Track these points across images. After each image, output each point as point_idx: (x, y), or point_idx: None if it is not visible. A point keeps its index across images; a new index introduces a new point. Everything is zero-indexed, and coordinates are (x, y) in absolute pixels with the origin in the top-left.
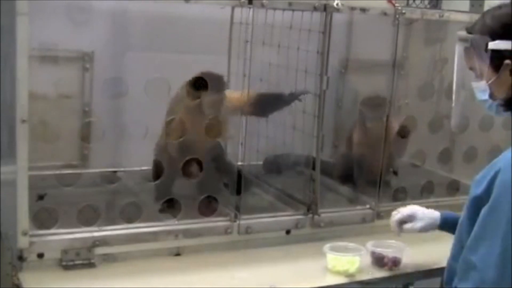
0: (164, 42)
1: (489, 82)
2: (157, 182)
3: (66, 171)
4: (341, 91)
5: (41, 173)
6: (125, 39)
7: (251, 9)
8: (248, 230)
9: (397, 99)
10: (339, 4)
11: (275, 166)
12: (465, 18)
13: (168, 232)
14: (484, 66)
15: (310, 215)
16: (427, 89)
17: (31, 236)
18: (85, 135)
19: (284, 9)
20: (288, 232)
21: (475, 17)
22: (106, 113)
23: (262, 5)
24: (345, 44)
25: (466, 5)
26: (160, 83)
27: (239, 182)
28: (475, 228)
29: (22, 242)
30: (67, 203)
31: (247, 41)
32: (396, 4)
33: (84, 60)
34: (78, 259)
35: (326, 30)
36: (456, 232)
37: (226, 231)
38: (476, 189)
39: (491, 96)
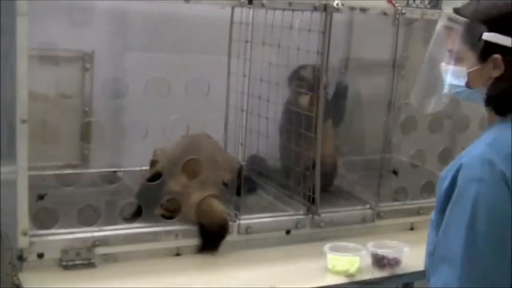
0: (164, 42)
1: (470, 70)
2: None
3: (66, 171)
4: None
5: (41, 173)
6: (125, 39)
7: (251, 9)
8: (248, 230)
9: (397, 99)
10: (339, 4)
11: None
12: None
13: (168, 232)
14: (469, 52)
15: (310, 215)
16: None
17: (31, 236)
18: (85, 135)
19: (284, 9)
20: (288, 232)
21: None
22: (106, 113)
23: (262, 5)
24: (345, 44)
25: None
26: (160, 83)
27: (239, 182)
28: (443, 223)
29: (22, 242)
30: (67, 203)
31: (247, 41)
32: (396, 4)
33: (84, 60)
34: (78, 259)
35: (326, 30)
36: (429, 228)
37: (227, 233)
38: (442, 185)
39: (467, 84)
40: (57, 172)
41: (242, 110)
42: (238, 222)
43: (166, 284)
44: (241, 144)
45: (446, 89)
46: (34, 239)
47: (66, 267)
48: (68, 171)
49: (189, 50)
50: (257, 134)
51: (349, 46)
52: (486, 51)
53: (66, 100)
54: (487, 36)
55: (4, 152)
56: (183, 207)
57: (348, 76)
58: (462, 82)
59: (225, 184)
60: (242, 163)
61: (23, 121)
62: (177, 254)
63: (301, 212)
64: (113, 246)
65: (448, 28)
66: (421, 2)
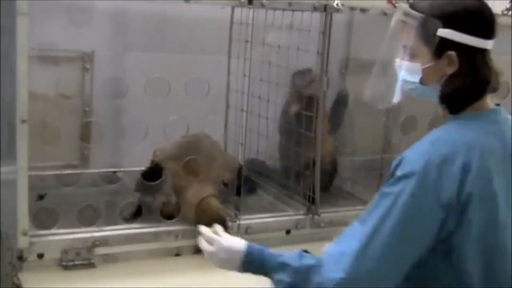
0: (164, 42)
1: (424, 66)
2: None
3: (66, 171)
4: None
5: (41, 173)
6: (125, 39)
7: (251, 9)
8: (248, 230)
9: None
10: (339, 4)
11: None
12: None
13: (168, 233)
14: (423, 48)
15: (310, 215)
16: None
17: (31, 236)
18: (85, 135)
19: (284, 9)
20: (288, 232)
21: None
22: (106, 113)
23: (262, 5)
24: (345, 44)
25: None
26: (160, 83)
27: (239, 182)
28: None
29: (22, 242)
30: (67, 203)
31: (247, 41)
32: (396, 4)
33: (84, 60)
34: (78, 259)
35: (326, 30)
36: None
37: (226, 231)
38: (388, 174)
39: (421, 80)
40: (57, 172)
41: (242, 110)
42: (238, 222)
43: (166, 284)
44: (241, 144)
45: (400, 85)
46: (34, 239)
47: (66, 267)
48: (68, 171)
49: (189, 50)
50: (257, 134)
51: (349, 46)
52: (441, 47)
53: (66, 100)
54: (442, 32)
55: (4, 152)
56: (182, 206)
57: (348, 76)
58: (416, 78)
59: (225, 184)
60: (242, 163)
61: (23, 121)
62: (177, 254)
63: (301, 212)
64: (113, 246)
65: (403, 23)
66: None
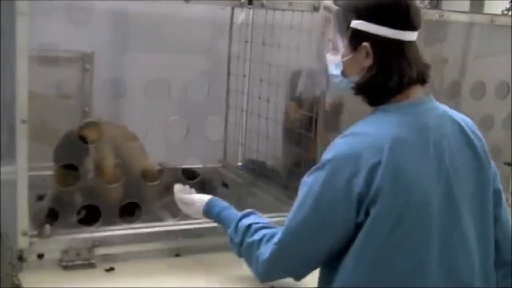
0: (164, 42)
1: (344, 59)
2: None
3: None
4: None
5: (41, 173)
6: (125, 39)
7: (251, 9)
8: None
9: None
10: None
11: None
12: (465, 18)
13: (168, 233)
14: (341, 41)
15: None
16: (427, 89)
17: (31, 236)
18: None
19: (284, 9)
20: None
21: (475, 17)
22: (106, 113)
23: (262, 5)
24: None
25: (466, 5)
26: (160, 83)
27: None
28: None
29: (22, 242)
30: (67, 203)
31: (247, 41)
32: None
33: (84, 60)
34: (78, 259)
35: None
36: None
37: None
38: None
39: (343, 73)
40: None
41: (242, 110)
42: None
43: (166, 284)
44: (241, 145)
45: (330, 79)
46: (34, 239)
47: (66, 268)
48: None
49: (189, 50)
50: (257, 134)
51: None
52: (355, 39)
53: (66, 101)
54: (355, 24)
55: (4, 152)
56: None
57: None
58: (338, 71)
59: (225, 185)
60: (240, 164)
61: (23, 121)
62: (177, 254)
63: None
64: (113, 246)
65: (325, 18)
66: (421, 2)
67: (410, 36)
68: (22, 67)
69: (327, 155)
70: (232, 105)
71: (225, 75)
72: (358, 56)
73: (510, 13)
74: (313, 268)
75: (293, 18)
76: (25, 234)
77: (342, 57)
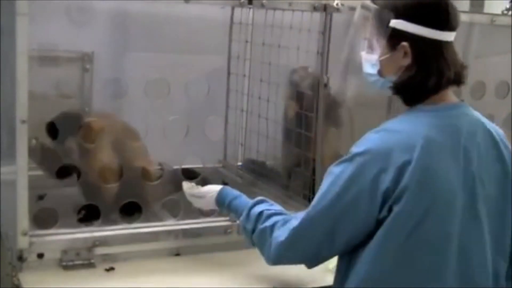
0: (164, 42)
1: (381, 58)
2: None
3: None
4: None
5: (41, 173)
6: (125, 39)
7: (251, 9)
8: None
9: (397, 99)
10: (339, 4)
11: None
12: (465, 18)
13: (168, 232)
14: (379, 40)
15: None
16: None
17: (31, 236)
18: None
19: (284, 9)
20: None
21: (475, 17)
22: None
23: (262, 5)
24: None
25: (466, 5)
26: (160, 84)
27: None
28: None
29: (22, 242)
30: (67, 203)
31: (247, 41)
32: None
33: (84, 60)
34: (78, 259)
35: (326, 30)
36: None
37: (226, 231)
38: None
39: (379, 72)
40: None
41: (242, 110)
42: (238, 222)
43: (166, 284)
44: (241, 145)
45: (365, 78)
46: (34, 239)
47: (66, 267)
48: None
49: (189, 50)
50: (257, 134)
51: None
52: (394, 38)
53: (66, 100)
54: (394, 23)
55: (4, 152)
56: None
57: (348, 76)
58: (375, 70)
59: (225, 185)
60: (240, 164)
61: (23, 121)
62: (177, 254)
63: None
64: (113, 246)
65: (363, 17)
66: None
67: (449, 36)
68: (22, 67)
69: (358, 148)
70: (232, 105)
71: (225, 75)
72: (396, 56)
73: (510, 13)
74: (327, 259)
75: (293, 18)
76: (25, 234)
77: (380, 56)
